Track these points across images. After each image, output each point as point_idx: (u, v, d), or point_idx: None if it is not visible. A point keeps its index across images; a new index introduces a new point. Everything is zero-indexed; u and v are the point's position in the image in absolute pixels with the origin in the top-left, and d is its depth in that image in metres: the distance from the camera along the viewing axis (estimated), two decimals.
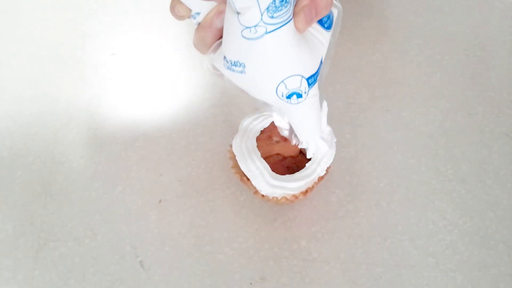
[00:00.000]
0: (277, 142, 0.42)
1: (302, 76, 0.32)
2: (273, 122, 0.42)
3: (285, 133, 0.39)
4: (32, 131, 0.50)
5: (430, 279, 0.41)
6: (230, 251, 0.43)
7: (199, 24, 0.33)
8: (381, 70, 0.54)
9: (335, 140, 0.41)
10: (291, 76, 0.31)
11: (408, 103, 0.51)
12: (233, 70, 0.32)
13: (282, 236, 0.44)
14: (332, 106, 0.51)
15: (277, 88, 0.32)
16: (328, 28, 0.33)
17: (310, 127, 0.37)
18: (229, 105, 0.51)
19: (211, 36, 0.32)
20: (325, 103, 0.38)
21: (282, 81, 0.31)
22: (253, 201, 0.45)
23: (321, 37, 0.33)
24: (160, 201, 0.46)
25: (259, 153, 0.40)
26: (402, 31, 0.57)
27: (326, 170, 0.41)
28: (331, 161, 0.41)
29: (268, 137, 0.42)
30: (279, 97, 0.33)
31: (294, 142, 0.38)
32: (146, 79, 0.54)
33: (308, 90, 0.33)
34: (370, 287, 0.41)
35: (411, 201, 0.45)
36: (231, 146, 0.43)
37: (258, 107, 0.36)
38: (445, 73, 0.53)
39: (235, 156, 0.41)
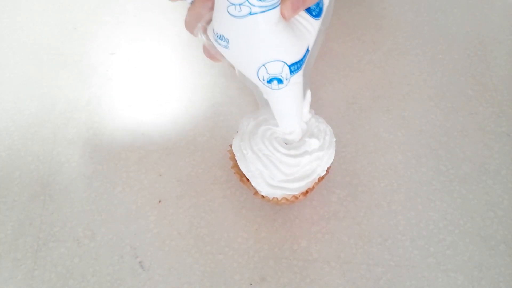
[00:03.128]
0: None
1: (285, 63, 0.32)
2: None
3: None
4: (31, 131, 0.50)
5: (431, 280, 0.41)
6: (230, 251, 0.43)
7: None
8: (381, 69, 0.53)
9: (335, 140, 0.41)
10: (273, 61, 0.31)
11: (409, 102, 0.51)
12: (219, 44, 0.32)
13: (282, 237, 0.43)
14: (332, 106, 0.51)
15: (258, 71, 0.32)
16: (317, 16, 0.33)
17: (289, 114, 0.37)
18: (229, 105, 0.51)
19: (207, 9, 0.32)
20: (309, 92, 0.38)
21: (263, 65, 0.32)
22: (253, 201, 0.45)
23: (309, 25, 0.33)
24: (159, 201, 0.46)
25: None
26: (402, 30, 0.56)
27: (326, 170, 0.41)
28: (331, 161, 0.40)
29: None
30: (260, 80, 0.33)
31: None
32: (146, 79, 0.54)
33: (290, 77, 0.33)
34: None
35: (412, 201, 0.45)
36: (231, 146, 0.42)
37: (252, 89, 0.36)
38: (446, 73, 0.53)
39: (235, 156, 0.41)
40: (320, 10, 0.33)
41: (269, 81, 0.33)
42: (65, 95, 0.53)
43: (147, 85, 0.53)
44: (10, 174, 0.47)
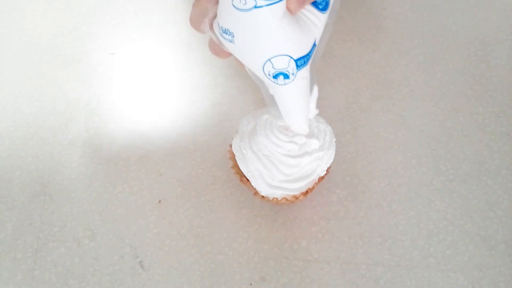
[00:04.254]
0: None
1: (291, 57, 0.31)
2: None
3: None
4: (31, 131, 0.50)
5: (431, 280, 0.41)
6: (230, 251, 0.43)
7: None
8: (381, 69, 0.53)
9: (335, 140, 0.41)
10: (279, 55, 0.31)
11: (409, 102, 0.51)
12: (224, 38, 0.31)
13: (282, 237, 0.43)
14: (332, 106, 0.51)
15: (264, 66, 0.32)
16: (323, 9, 0.33)
17: (296, 110, 0.37)
18: (229, 105, 0.51)
19: (213, 3, 0.32)
20: (316, 88, 0.38)
21: (269, 60, 0.31)
22: (253, 201, 0.45)
23: (315, 19, 0.32)
24: (159, 201, 0.46)
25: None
26: (402, 30, 0.56)
27: (327, 170, 0.41)
28: (331, 161, 0.40)
29: None
30: (266, 75, 0.32)
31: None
32: (146, 79, 0.54)
33: (297, 72, 0.32)
34: None
35: (412, 201, 0.45)
36: (231, 146, 0.42)
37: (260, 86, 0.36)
38: (446, 73, 0.53)
39: (235, 156, 0.41)
40: (327, 3, 0.33)
41: (275, 76, 0.32)
42: (65, 95, 0.53)
43: (147, 85, 0.53)
44: (10, 174, 0.48)
